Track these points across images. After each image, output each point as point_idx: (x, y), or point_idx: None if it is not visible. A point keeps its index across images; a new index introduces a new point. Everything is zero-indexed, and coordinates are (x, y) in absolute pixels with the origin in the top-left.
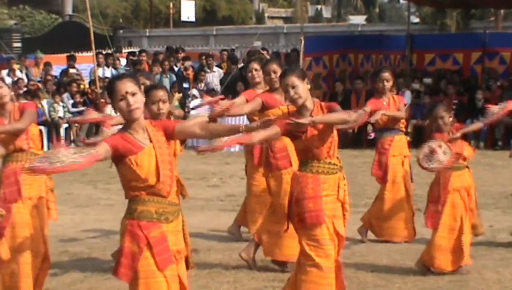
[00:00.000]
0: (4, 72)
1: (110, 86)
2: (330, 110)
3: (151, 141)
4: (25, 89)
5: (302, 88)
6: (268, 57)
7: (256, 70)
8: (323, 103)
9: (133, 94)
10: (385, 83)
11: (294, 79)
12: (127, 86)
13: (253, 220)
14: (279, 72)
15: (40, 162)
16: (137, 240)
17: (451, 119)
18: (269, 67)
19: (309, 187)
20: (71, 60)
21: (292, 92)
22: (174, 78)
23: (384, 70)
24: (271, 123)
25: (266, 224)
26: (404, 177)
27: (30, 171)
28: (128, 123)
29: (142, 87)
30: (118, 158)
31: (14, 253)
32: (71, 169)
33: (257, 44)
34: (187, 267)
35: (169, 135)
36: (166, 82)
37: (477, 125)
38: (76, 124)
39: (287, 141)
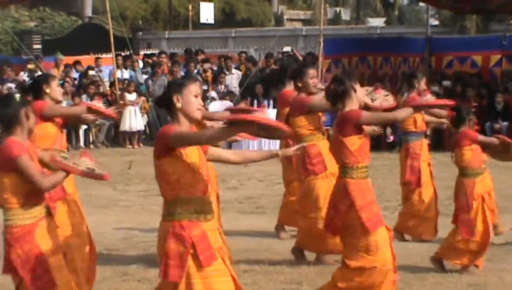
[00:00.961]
0: (23, 73)
1: (183, 83)
2: None
3: None
4: None
5: None
6: (300, 57)
7: (315, 77)
8: None
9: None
10: (425, 85)
11: None
12: (200, 88)
13: (285, 214)
14: (315, 77)
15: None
16: (182, 241)
17: (473, 119)
18: (309, 73)
19: (367, 193)
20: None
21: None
22: (201, 80)
23: (421, 73)
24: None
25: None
26: (432, 178)
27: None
28: (181, 122)
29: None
30: (170, 149)
31: (70, 251)
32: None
33: (287, 49)
34: None
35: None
36: None
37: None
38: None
39: (321, 145)
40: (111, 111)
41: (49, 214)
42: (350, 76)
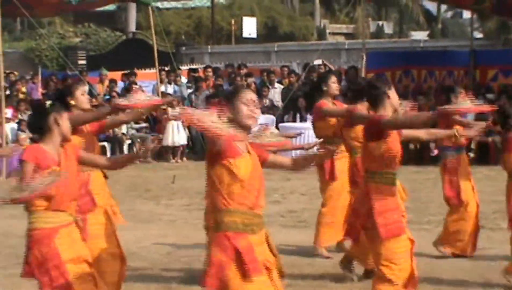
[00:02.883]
0: None
1: (238, 89)
2: None
3: (249, 153)
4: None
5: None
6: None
7: (333, 82)
8: None
9: (256, 106)
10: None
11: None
12: (255, 97)
13: (324, 231)
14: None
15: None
16: (225, 251)
17: None
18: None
19: (390, 199)
20: (130, 76)
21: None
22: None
23: (459, 87)
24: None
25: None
26: (474, 193)
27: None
28: (239, 129)
29: None
30: (217, 157)
31: (97, 264)
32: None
33: (318, 62)
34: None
35: (261, 163)
36: None
37: None
38: (139, 140)
39: None
40: (157, 100)
41: (77, 225)
42: (384, 82)
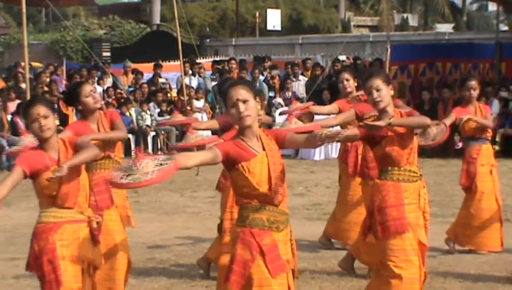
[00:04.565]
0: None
1: (226, 91)
2: (410, 116)
3: (264, 149)
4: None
5: (385, 92)
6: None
7: (347, 80)
8: (403, 111)
9: (244, 102)
10: (472, 91)
11: (378, 82)
12: (239, 93)
13: (343, 229)
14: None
15: (119, 174)
16: (249, 248)
17: None
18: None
19: (391, 195)
20: (158, 68)
21: (375, 94)
22: (266, 87)
23: (471, 78)
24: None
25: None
26: (494, 186)
27: (110, 185)
28: (241, 130)
29: None
30: (230, 164)
31: (110, 260)
32: (146, 185)
33: (342, 58)
34: (293, 277)
35: (280, 144)
36: None
37: None
38: (163, 132)
39: None
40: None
41: (89, 225)
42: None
